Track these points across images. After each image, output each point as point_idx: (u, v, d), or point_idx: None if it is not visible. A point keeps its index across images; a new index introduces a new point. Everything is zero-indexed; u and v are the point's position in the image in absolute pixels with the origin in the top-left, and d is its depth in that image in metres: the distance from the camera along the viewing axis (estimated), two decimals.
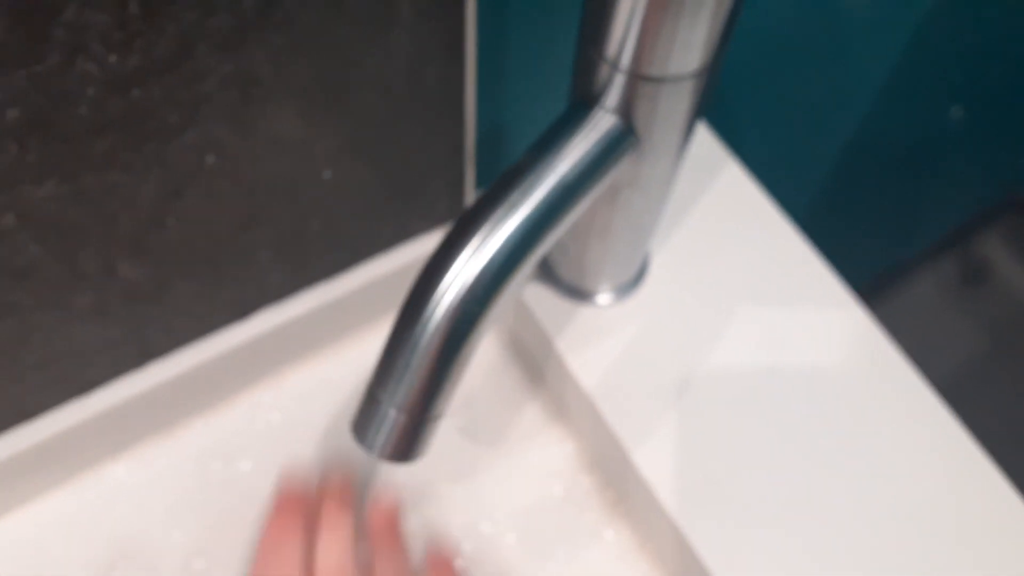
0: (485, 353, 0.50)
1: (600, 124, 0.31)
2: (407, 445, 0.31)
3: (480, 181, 0.45)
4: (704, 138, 0.51)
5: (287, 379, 0.48)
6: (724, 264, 0.46)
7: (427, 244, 0.45)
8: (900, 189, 0.98)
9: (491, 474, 0.46)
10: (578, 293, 0.45)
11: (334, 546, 0.37)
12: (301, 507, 0.39)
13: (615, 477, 0.44)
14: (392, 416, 0.30)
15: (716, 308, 0.45)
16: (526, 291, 0.45)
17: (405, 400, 0.30)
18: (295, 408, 0.47)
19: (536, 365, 0.49)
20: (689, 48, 0.28)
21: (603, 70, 0.30)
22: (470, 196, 0.45)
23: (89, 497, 0.44)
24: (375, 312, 0.48)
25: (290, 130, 0.33)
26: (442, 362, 0.29)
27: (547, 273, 0.45)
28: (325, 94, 0.33)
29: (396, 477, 0.45)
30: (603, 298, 0.45)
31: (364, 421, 0.31)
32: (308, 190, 0.37)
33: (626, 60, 0.29)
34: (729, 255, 0.47)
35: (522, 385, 0.49)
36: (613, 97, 0.31)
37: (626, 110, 0.31)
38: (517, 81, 0.41)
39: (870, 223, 1.01)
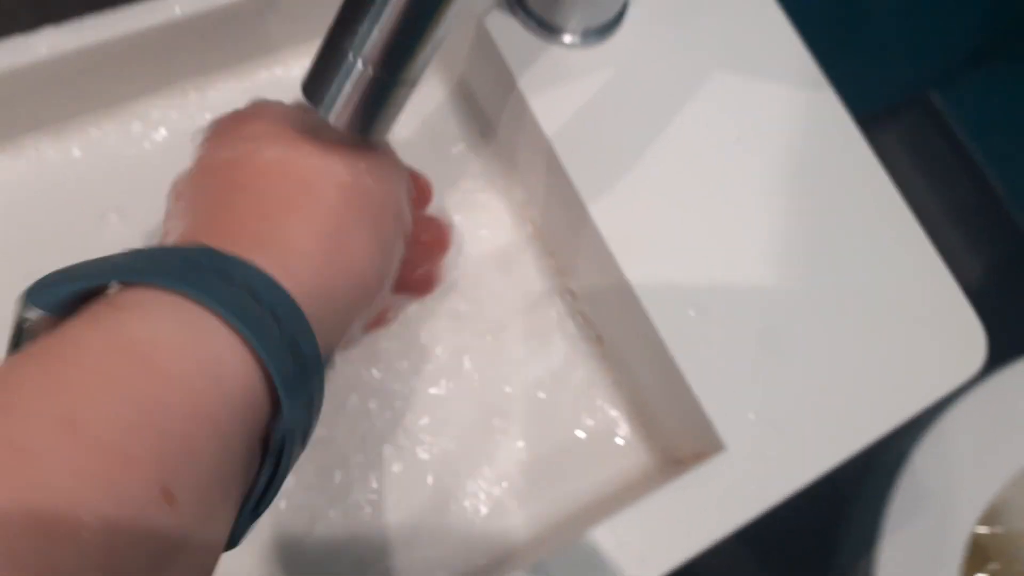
0: (429, 98, 0.45)
1: None
2: (371, 111, 0.26)
3: None
4: None
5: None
6: (703, 26, 0.43)
7: None
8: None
9: None
10: (547, 27, 0.40)
11: None
12: None
13: (567, 232, 0.41)
14: (359, 70, 0.25)
15: (688, 69, 0.42)
16: (488, 20, 0.40)
17: (376, 49, 0.25)
18: None
19: (484, 115, 0.44)
20: None
21: None
22: None
23: None
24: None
25: None
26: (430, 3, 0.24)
27: (512, 3, 0.40)
28: None
29: None
30: (572, 38, 0.40)
31: (321, 76, 0.26)
32: None
33: None
34: (709, 17, 0.43)
35: (469, 138, 0.44)
36: None
37: None
38: None
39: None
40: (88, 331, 0.22)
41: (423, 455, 0.39)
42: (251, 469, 0.24)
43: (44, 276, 0.23)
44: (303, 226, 0.26)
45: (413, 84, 0.26)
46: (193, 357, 0.22)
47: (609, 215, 0.38)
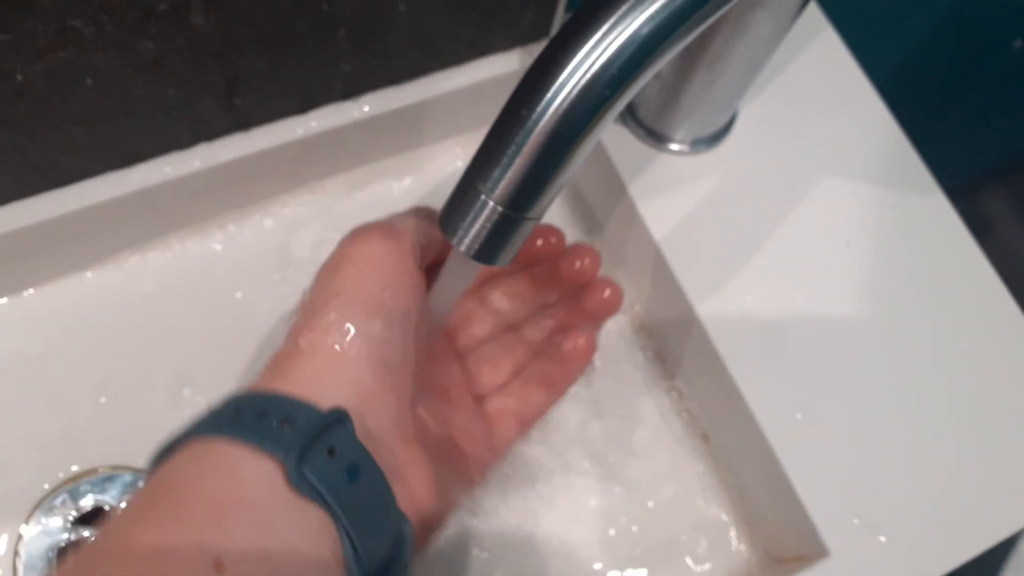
0: None
1: None
2: (498, 244, 0.28)
3: (571, 6, 0.41)
4: None
5: (334, 187, 0.45)
6: (810, 131, 0.44)
7: (503, 64, 0.42)
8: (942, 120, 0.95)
9: None
10: (657, 137, 0.42)
11: None
12: None
13: (673, 330, 0.42)
14: (490, 208, 0.27)
15: (796, 173, 0.43)
16: None
17: (507, 191, 0.27)
18: (338, 221, 0.44)
19: (592, 213, 0.46)
20: None
21: None
22: (559, 16, 0.41)
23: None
24: (438, 131, 0.45)
25: None
26: (559, 150, 0.26)
27: (623, 114, 0.42)
28: None
29: None
30: (681, 147, 0.42)
31: (456, 212, 0.28)
32: None
33: None
34: (816, 124, 0.44)
35: (577, 235, 0.46)
36: None
37: None
38: None
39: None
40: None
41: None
42: None
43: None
44: None
45: (539, 219, 0.29)
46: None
47: (716, 316, 0.39)
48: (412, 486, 0.29)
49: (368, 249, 0.31)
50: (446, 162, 0.46)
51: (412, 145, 0.45)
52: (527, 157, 0.26)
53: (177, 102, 0.35)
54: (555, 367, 0.38)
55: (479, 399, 0.37)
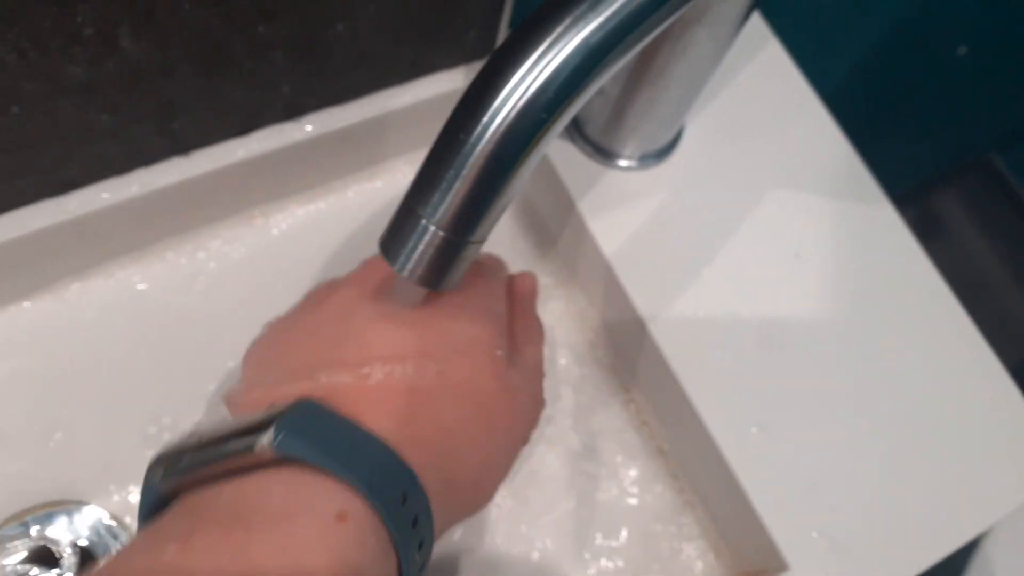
0: None
1: None
2: (441, 268, 0.28)
3: (514, 22, 0.41)
4: None
5: (278, 212, 0.44)
6: (757, 144, 0.44)
7: (446, 82, 0.42)
8: (895, 121, 0.96)
9: None
10: (605, 154, 0.41)
11: None
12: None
13: (627, 344, 0.42)
14: (431, 233, 0.27)
15: (744, 187, 0.43)
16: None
17: (447, 215, 0.26)
18: (279, 244, 0.43)
19: (544, 228, 0.46)
20: None
21: None
22: (503, 33, 0.41)
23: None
24: (384, 150, 0.44)
25: None
26: (498, 172, 0.26)
27: (570, 131, 0.42)
28: None
29: None
30: (629, 163, 0.42)
31: (396, 237, 0.27)
32: None
33: None
34: (763, 136, 0.44)
35: (530, 248, 0.46)
36: None
37: None
38: None
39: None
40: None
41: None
42: None
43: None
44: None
45: (482, 241, 0.28)
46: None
47: (668, 330, 0.39)
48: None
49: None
50: (393, 182, 0.45)
51: (358, 166, 0.44)
52: (467, 181, 0.26)
53: (111, 127, 0.34)
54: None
55: None
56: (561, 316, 0.45)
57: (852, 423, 0.39)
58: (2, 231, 0.36)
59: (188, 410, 0.40)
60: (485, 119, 0.25)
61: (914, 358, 0.41)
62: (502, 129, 0.25)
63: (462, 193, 0.26)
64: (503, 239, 0.46)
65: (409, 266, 0.28)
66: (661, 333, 0.39)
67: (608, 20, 0.24)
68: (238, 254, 0.43)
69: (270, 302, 0.35)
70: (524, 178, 0.27)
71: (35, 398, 0.38)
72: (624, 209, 0.41)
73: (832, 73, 0.75)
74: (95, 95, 0.32)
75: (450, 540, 0.40)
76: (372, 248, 0.29)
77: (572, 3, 0.24)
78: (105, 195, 0.37)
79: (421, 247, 0.27)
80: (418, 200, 0.27)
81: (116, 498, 0.38)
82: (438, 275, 0.28)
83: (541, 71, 0.24)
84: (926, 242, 0.43)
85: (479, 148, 0.25)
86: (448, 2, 0.37)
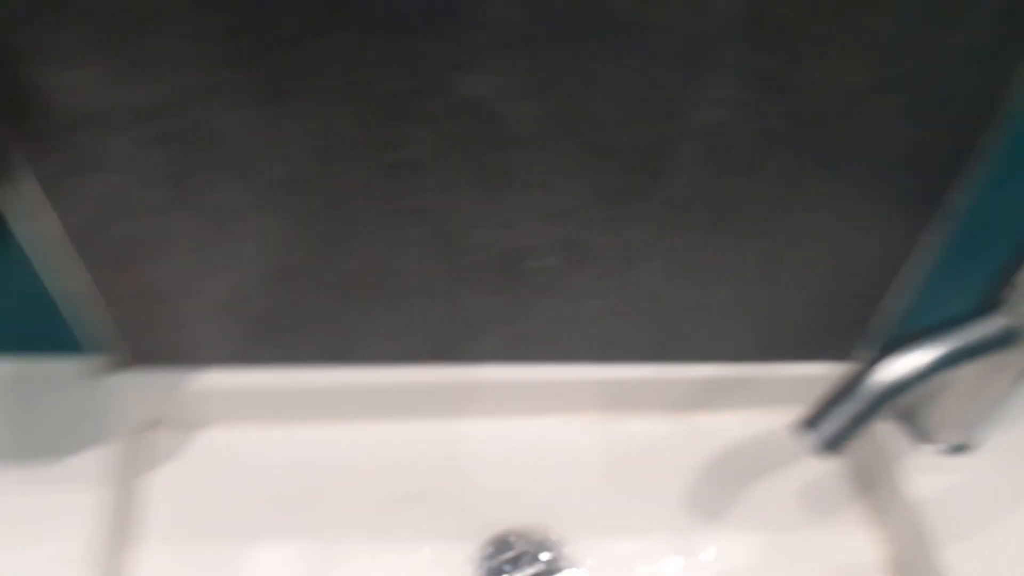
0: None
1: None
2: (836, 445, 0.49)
3: (872, 344, 0.63)
4: None
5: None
6: None
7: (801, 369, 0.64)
8: None
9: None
10: (924, 435, 0.61)
11: None
12: None
13: None
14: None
15: None
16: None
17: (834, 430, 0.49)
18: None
19: (866, 478, 0.65)
20: None
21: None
22: (857, 353, 0.63)
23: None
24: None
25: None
26: (869, 412, 0.48)
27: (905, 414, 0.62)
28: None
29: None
30: (942, 447, 0.61)
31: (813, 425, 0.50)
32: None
33: None
34: None
35: (847, 488, 0.65)
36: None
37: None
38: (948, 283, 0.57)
39: None
40: None
41: None
42: None
43: None
44: None
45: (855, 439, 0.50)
46: None
47: None
48: None
49: None
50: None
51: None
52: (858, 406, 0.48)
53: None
54: None
55: None
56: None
57: None
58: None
59: None
60: (870, 381, 0.48)
61: None
62: (875, 391, 0.47)
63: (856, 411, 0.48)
64: (816, 477, 0.65)
65: (819, 436, 0.50)
66: None
67: (948, 352, 0.47)
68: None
69: None
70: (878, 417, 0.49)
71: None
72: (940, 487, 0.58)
73: None
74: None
75: None
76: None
77: (932, 336, 0.47)
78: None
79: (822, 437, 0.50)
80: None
81: None
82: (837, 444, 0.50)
83: (899, 368, 0.47)
84: None
85: (863, 393, 0.48)
86: (821, 317, 0.60)
